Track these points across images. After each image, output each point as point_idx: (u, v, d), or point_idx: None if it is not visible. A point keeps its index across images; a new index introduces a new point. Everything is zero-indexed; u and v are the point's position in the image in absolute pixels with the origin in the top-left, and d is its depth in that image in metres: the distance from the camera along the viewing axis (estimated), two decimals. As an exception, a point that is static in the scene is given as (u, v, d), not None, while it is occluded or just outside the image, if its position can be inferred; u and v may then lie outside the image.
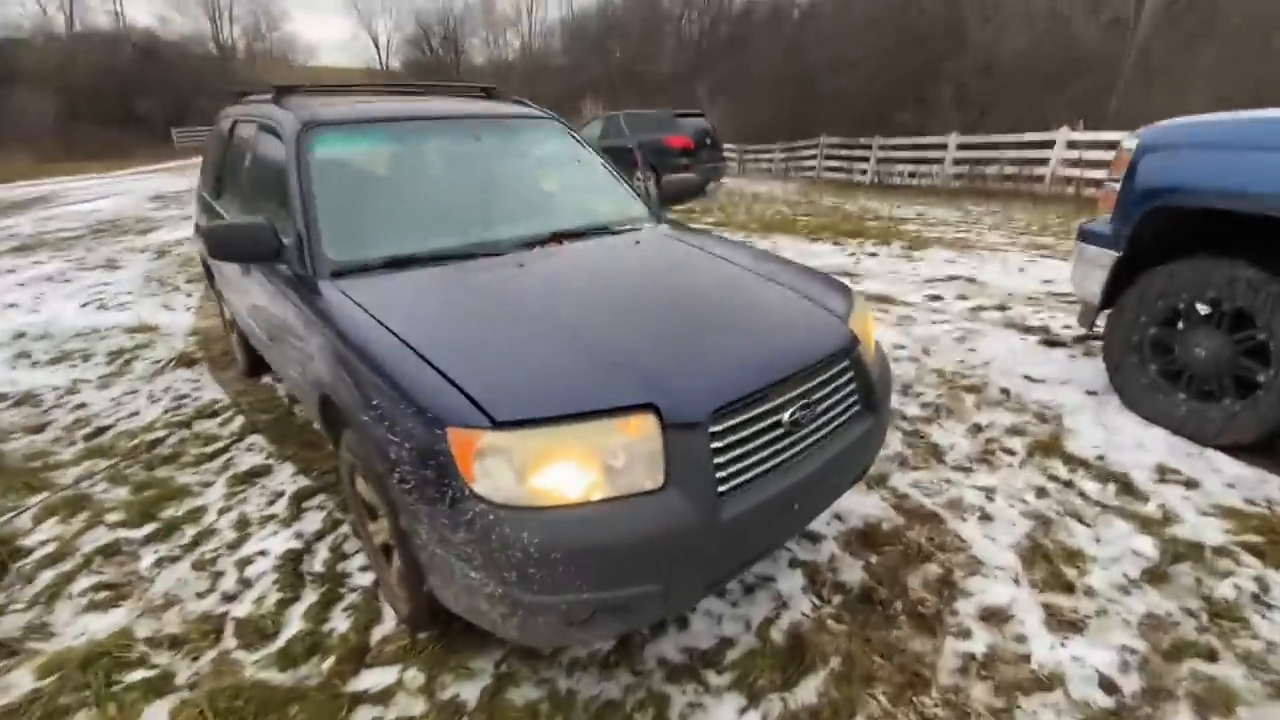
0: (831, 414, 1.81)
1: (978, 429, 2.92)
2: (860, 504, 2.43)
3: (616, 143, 11.95)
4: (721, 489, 1.52)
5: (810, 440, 1.72)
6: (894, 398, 2.73)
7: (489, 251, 2.21)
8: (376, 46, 43.13)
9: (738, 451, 1.56)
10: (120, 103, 28.64)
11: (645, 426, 1.45)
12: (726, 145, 17.64)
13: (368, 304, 1.84)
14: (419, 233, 2.29)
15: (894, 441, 2.85)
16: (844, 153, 15.63)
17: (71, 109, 26.70)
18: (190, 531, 2.42)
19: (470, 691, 1.70)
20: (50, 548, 2.35)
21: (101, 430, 3.26)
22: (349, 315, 1.83)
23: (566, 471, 1.41)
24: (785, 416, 1.63)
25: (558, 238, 2.41)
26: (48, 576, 2.20)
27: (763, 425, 1.61)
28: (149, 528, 2.44)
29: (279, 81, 3.21)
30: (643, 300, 1.99)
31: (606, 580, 1.43)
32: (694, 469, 1.47)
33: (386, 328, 1.71)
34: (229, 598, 2.08)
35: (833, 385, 1.81)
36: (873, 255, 5.96)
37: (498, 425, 1.37)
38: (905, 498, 2.46)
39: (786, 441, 1.66)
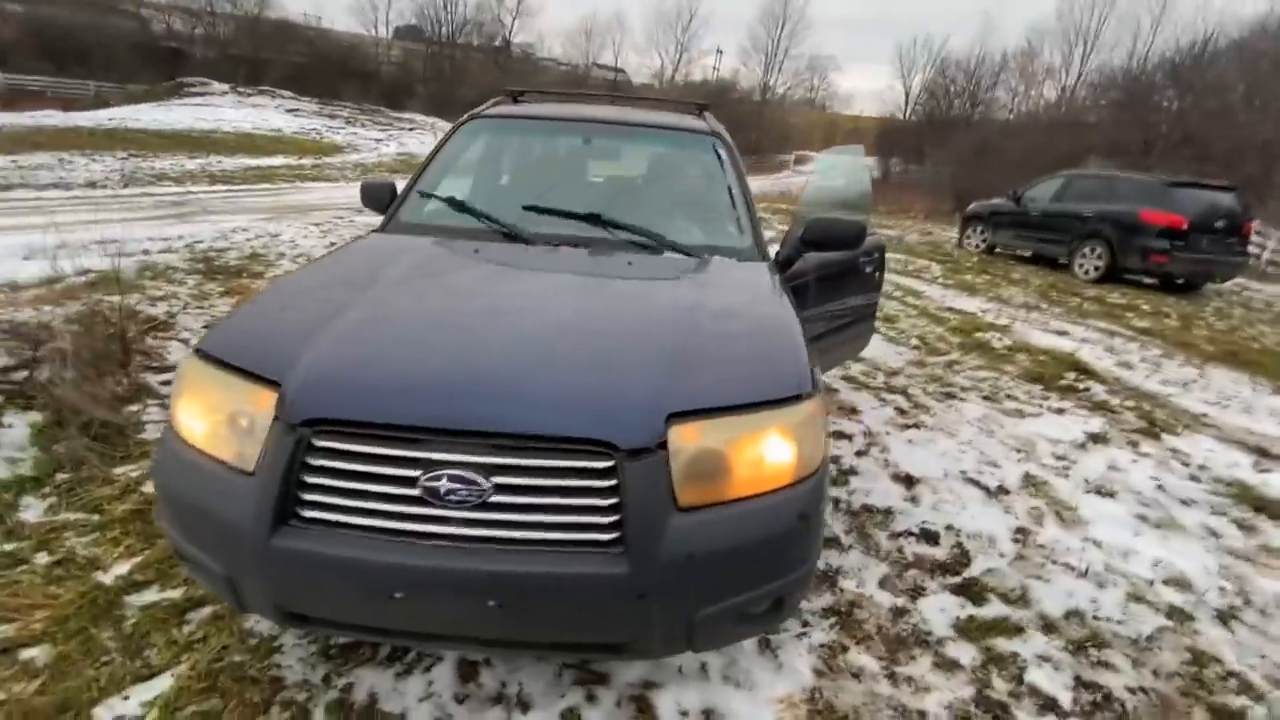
0: (527, 517, 1.25)
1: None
2: None
3: (1067, 208, 9.53)
4: (301, 511, 1.27)
5: (466, 530, 1.24)
6: None
7: (523, 238, 2.21)
8: (906, 98, 44.29)
9: (339, 483, 1.27)
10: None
11: (264, 402, 1.33)
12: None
13: (344, 249, 2.16)
14: (486, 210, 2.48)
15: None
16: None
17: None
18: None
19: None
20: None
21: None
22: (337, 251, 2.21)
23: (210, 417, 1.41)
24: (426, 477, 1.23)
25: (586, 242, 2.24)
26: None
27: (386, 471, 1.25)
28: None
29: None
30: (531, 314, 1.67)
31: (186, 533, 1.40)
32: (273, 469, 1.28)
33: (314, 269, 1.99)
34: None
35: (550, 481, 1.25)
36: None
37: (198, 352, 1.48)
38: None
39: (424, 510, 1.25)
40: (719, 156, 2.72)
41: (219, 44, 38.71)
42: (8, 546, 1.96)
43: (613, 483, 1.25)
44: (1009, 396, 4.00)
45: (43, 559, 1.92)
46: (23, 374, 2.71)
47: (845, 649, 1.85)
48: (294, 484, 1.28)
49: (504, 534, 1.25)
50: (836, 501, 2.61)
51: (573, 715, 1.57)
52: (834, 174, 4.41)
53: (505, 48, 48.70)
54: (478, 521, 1.25)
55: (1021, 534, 2.48)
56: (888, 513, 2.55)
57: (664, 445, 1.28)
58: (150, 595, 1.83)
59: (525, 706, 1.58)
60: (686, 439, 1.31)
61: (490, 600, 1.25)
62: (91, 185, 9.71)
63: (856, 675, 1.76)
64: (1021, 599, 2.12)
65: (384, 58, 45.28)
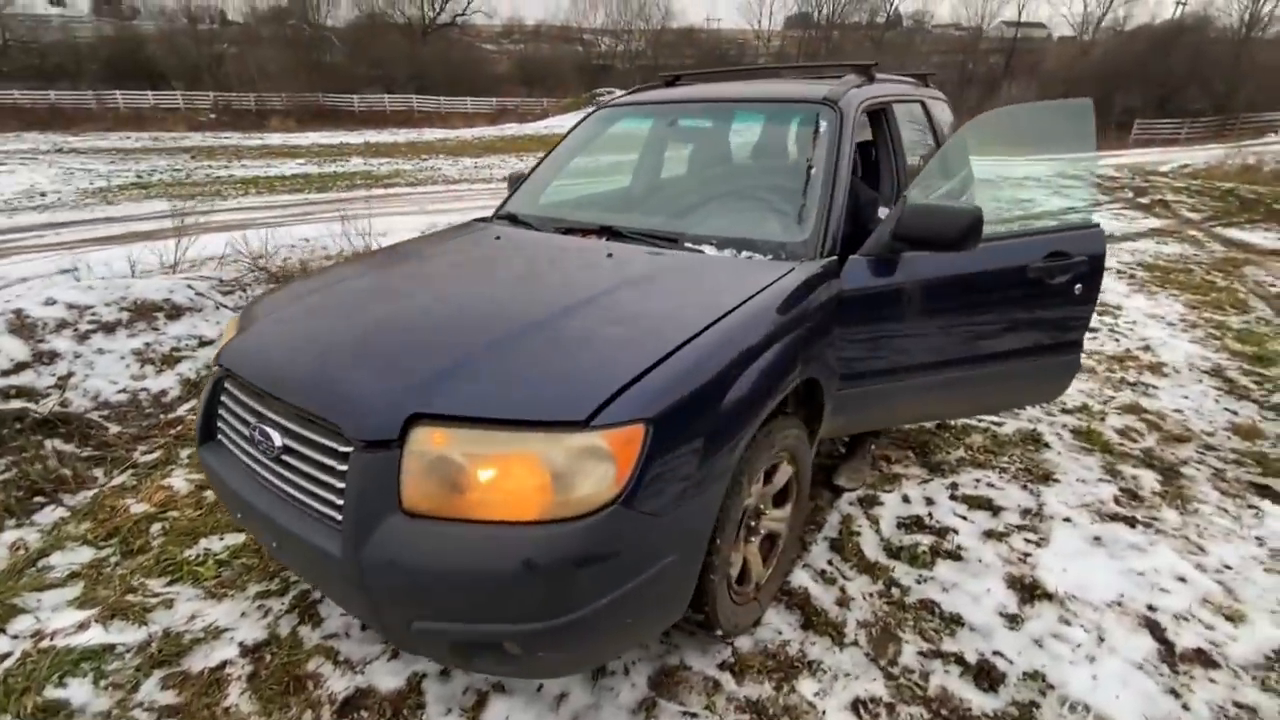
0: (295, 478, 1.39)
1: None
2: None
3: None
4: (217, 425, 1.67)
5: (267, 475, 1.46)
6: None
7: (550, 227, 2.28)
8: None
9: (227, 416, 1.62)
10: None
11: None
12: None
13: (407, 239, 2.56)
14: (567, 199, 2.64)
15: None
16: None
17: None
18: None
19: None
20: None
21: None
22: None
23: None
24: (253, 425, 1.49)
25: (605, 232, 2.20)
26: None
27: (242, 414, 1.55)
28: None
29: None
30: (420, 301, 1.76)
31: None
32: (202, 399, 1.70)
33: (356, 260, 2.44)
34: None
35: (309, 451, 1.36)
36: None
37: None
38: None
39: (252, 451, 1.51)
40: (816, 130, 2.23)
41: (631, 57, 46.02)
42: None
43: (345, 468, 1.28)
44: None
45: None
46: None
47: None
48: (213, 413, 1.67)
49: (283, 487, 1.41)
50: (889, 584, 1.96)
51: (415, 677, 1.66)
52: None
53: (889, 21, 45.71)
54: (274, 471, 1.44)
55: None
56: (951, 621, 1.81)
57: (402, 443, 1.25)
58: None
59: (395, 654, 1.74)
60: (429, 443, 1.24)
61: (272, 540, 1.44)
62: (504, 180, 12.94)
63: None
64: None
65: (764, 49, 47.31)
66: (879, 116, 2.63)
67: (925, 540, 2.15)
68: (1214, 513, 2.30)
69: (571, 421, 1.20)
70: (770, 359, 1.59)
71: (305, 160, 16.36)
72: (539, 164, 2.82)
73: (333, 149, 19.34)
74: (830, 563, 2.07)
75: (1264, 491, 2.44)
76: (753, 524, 1.76)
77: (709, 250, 1.97)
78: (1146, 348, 3.92)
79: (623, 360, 1.34)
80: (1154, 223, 8.14)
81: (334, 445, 1.31)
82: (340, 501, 1.29)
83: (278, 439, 1.42)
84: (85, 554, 2.14)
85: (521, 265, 1.99)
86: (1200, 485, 2.48)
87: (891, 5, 45.25)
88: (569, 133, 2.88)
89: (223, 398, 1.65)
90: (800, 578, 1.99)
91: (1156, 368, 3.61)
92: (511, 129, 27.48)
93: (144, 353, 3.17)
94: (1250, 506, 2.35)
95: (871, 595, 1.92)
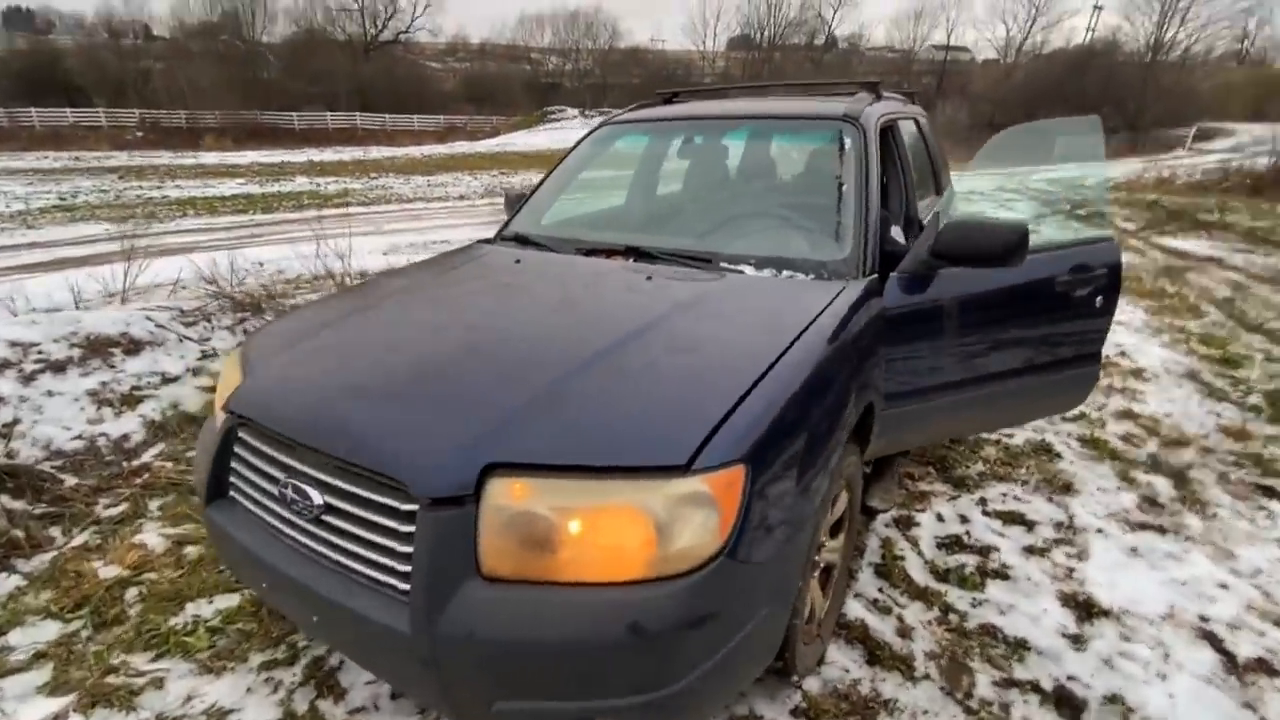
0: (345, 543, 1.21)
1: None
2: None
3: None
4: (229, 492, 1.46)
5: (304, 539, 1.28)
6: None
7: (572, 249, 2.15)
8: None
9: (246, 471, 1.42)
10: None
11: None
12: None
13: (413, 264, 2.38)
14: (579, 218, 2.52)
15: None
16: None
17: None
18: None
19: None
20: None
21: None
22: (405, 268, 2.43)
23: (220, 383, 1.72)
24: (283, 481, 1.30)
25: (630, 253, 2.08)
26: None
27: (266, 468, 1.36)
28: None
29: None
30: (456, 335, 1.59)
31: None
32: (208, 449, 1.49)
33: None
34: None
35: (363, 512, 1.19)
36: None
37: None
38: None
39: (282, 512, 1.32)
40: (842, 147, 2.20)
41: (580, 76, 46.31)
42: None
43: (410, 529, 1.12)
44: None
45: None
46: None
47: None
48: (225, 466, 1.47)
49: (326, 552, 1.24)
50: (945, 609, 1.90)
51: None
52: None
53: (827, 44, 47.56)
54: (312, 534, 1.26)
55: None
56: (1018, 646, 1.76)
57: (478, 498, 1.10)
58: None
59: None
60: (508, 496, 1.10)
61: (311, 615, 1.26)
62: (461, 198, 12.62)
63: None
64: None
65: (709, 69, 48.40)
66: (887, 134, 2.64)
67: (970, 560, 2.11)
68: (1231, 516, 2.35)
69: (672, 466, 1.08)
70: (841, 385, 1.51)
71: (245, 180, 15.59)
72: (541, 182, 2.69)
73: (274, 168, 18.54)
74: (881, 590, 1.99)
75: (1269, 493, 2.52)
76: (815, 558, 1.67)
77: (748, 270, 1.89)
78: (1124, 354, 4.06)
79: (708, 394, 1.23)
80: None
81: (394, 504, 1.14)
82: (403, 568, 1.13)
83: (317, 497, 1.24)
84: (50, 629, 1.86)
85: (554, 290, 1.85)
86: (1211, 489, 2.54)
87: (828, 28, 47.15)
88: (570, 150, 2.77)
89: (237, 449, 1.45)
90: (854, 609, 1.91)
91: (1138, 373, 3.74)
92: (462, 146, 27.07)
93: (100, 393, 2.86)
94: (1261, 508, 2.41)
95: (930, 623, 1.86)
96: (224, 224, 9.83)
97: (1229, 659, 1.72)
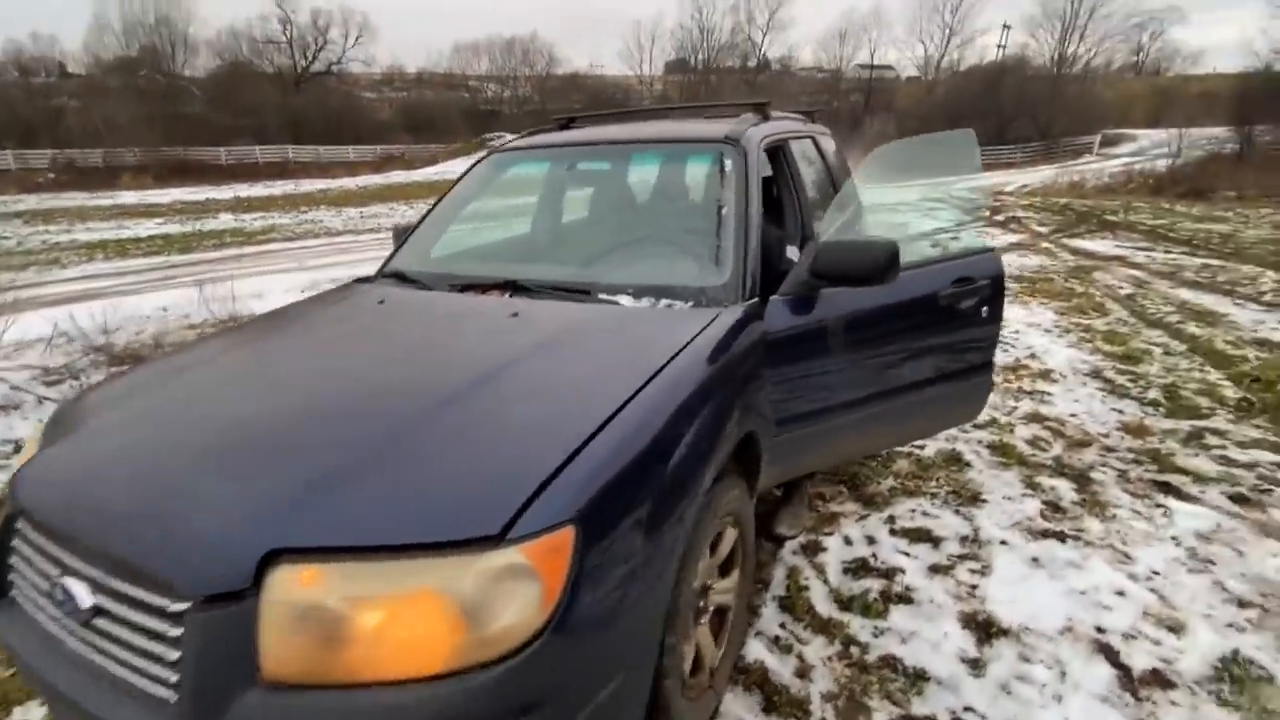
0: (107, 653, 1.05)
1: None
2: None
3: None
4: (8, 578, 1.27)
5: (75, 644, 1.10)
6: None
7: (447, 285, 2.02)
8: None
9: (22, 567, 1.23)
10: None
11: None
12: None
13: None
14: (462, 251, 2.40)
15: None
16: None
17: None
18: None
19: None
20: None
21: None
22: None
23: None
24: (54, 579, 1.11)
25: (509, 287, 1.97)
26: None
27: (41, 564, 1.17)
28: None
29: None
30: (274, 395, 1.43)
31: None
32: None
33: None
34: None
35: (128, 620, 1.03)
36: None
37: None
38: None
39: (55, 613, 1.14)
40: (722, 169, 2.14)
41: (519, 103, 46.42)
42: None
43: (179, 631, 0.97)
44: (1299, 501, 2.45)
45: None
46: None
47: None
48: (4, 562, 1.27)
49: (95, 660, 1.06)
50: (847, 643, 1.83)
51: None
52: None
53: (759, 65, 49.12)
54: (82, 639, 1.09)
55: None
56: (916, 678, 1.70)
57: (258, 591, 0.95)
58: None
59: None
60: (293, 587, 0.95)
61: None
62: (395, 229, 12.34)
63: None
64: None
65: (647, 93, 49.28)
66: (778, 154, 2.62)
67: (875, 585, 2.04)
68: (1130, 516, 2.38)
69: (482, 538, 0.96)
70: (709, 417, 1.43)
71: (165, 219, 14.88)
72: (426, 215, 2.57)
73: (198, 205, 17.79)
74: (784, 626, 1.91)
75: (1166, 489, 2.56)
76: (701, 604, 1.57)
77: (625, 300, 1.81)
78: (1033, 355, 4.17)
79: (540, 447, 1.12)
80: (1013, 238, 8.98)
81: (164, 603, 0.99)
82: (175, 678, 0.97)
83: (86, 597, 1.07)
84: None
85: (410, 335, 1.72)
86: (1111, 489, 2.57)
87: (760, 51, 48.73)
88: (459, 180, 2.66)
89: (14, 541, 1.26)
90: (755, 649, 1.81)
91: (1046, 374, 3.83)
92: (399, 175, 26.63)
93: (-65, 468, 2.56)
94: (1159, 506, 2.45)
95: (831, 659, 1.77)
96: (135, 267, 9.30)
97: (1125, 673, 1.69)
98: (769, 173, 2.73)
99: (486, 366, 1.40)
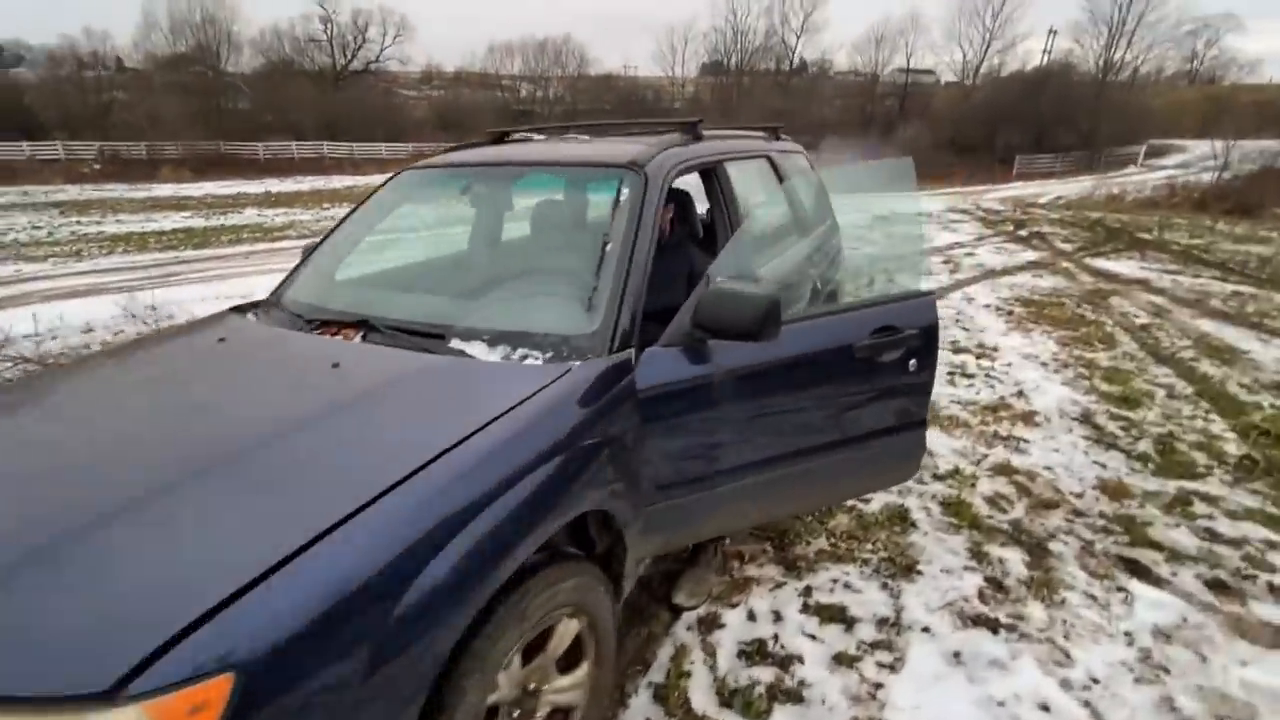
0: None
1: None
2: None
3: None
4: None
5: None
6: None
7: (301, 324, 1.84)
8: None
9: None
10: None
11: None
12: None
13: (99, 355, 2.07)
14: (349, 280, 2.22)
15: None
16: None
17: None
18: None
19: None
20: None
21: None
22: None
23: None
24: None
25: (363, 325, 1.79)
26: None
27: None
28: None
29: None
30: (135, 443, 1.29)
31: None
32: None
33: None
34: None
35: None
36: None
37: None
38: None
39: None
40: (617, 199, 1.93)
41: (551, 102, 46.65)
42: None
43: None
44: (1288, 591, 2.11)
45: None
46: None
47: None
48: None
49: None
50: (713, 748, 1.60)
51: None
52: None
53: (793, 69, 48.45)
54: None
55: None
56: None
57: None
58: None
59: None
60: None
61: None
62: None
63: None
64: None
65: (679, 95, 49.02)
66: (710, 178, 2.40)
67: (766, 676, 1.80)
68: (1081, 603, 2.08)
69: (88, 696, 0.78)
70: (516, 500, 1.22)
71: (193, 213, 15.24)
72: (327, 236, 2.41)
73: (227, 200, 18.20)
74: (649, 721, 1.69)
75: (1133, 568, 2.26)
76: (519, 711, 1.36)
77: (477, 348, 1.61)
78: (1020, 393, 3.83)
79: (218, 567, 0.93)
80: (1031, 255, 8.50)
81: None
82: None
83: None
84: None
85: (207, 390, 1.52)
86: (1068, 565, 2.27)
87: (794, 54, 47.99)
88: (366, 199, 2.50)
89: None
90: (608, 750, 1.60)
91: (1029, 417, 3.50)
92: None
93: None
94: (1119, 589, 2.14)
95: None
96: (146, 261, 9.47)
97: (1025, 814, 1.42)
98: (705, 202, 2.51)
99: (248, 440, 1.22)
